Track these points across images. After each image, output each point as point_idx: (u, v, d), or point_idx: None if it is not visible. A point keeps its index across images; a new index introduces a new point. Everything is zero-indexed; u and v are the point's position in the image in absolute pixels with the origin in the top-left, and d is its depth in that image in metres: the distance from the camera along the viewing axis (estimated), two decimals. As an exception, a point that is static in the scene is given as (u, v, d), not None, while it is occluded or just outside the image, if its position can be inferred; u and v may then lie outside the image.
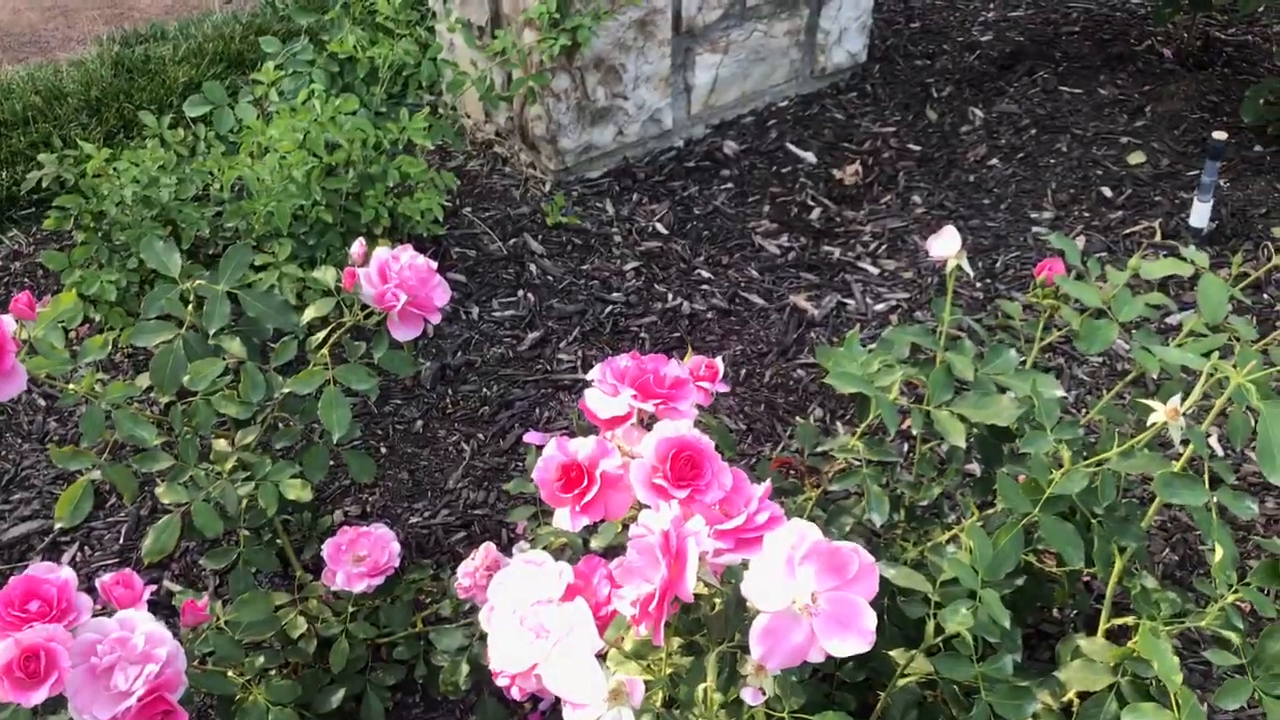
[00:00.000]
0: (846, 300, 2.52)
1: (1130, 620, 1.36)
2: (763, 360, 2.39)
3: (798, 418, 2.25)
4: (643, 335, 2.45)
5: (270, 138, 2.29)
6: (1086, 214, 2.74)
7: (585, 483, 1.19)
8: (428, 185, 2.47)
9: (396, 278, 1.54)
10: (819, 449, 1.58)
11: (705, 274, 2.62)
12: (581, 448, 1.22)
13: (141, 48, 3.50)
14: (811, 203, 2.84)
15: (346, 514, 2.10)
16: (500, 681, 1.09)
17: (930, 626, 1.28)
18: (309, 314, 1.60)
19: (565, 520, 1.21)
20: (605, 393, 1.29)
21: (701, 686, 1.04)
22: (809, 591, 1.00)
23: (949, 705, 1.36)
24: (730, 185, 2.90)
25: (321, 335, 1.61)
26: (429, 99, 3.08)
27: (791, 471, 1.58)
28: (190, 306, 1.55)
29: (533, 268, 2.63)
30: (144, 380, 1.61)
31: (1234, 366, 1.31)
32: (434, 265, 1.57)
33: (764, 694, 1.04)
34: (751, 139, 3.05)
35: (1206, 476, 1.29)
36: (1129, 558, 1.37)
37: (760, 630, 1.01)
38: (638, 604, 1.06)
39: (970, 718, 1.23)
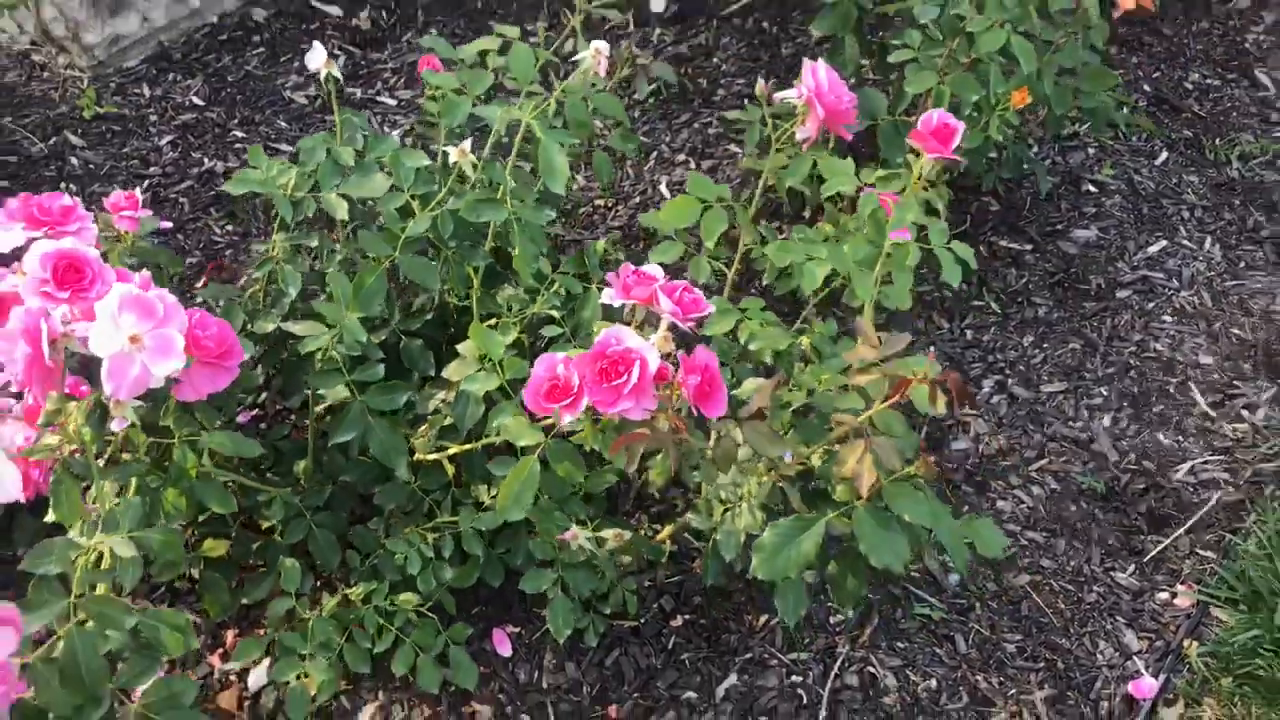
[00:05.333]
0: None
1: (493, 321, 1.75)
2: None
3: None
4: (181, 200, 2.68)
5: None
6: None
7: (-17, 305, 1.47)
8: (-63, 101, 2.59)
9: None
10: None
11: (239, 134, 2.85)
12: (-22, 280, 1.49)
13: None
14: (338, 52, 3.09)
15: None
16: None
17: (317, 356, 1.63)
18: None
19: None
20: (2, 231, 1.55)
21: (73, 426, 1.35)
22: (129, 334, 1.32)
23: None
24: (262, 49, 3.11)
25: None
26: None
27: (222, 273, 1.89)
28: None
29: (74, 161, 2.79)
30: None
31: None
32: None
33: (126, 420, 1.36)
34: (280, 3, 3.24)
35: (506, 193, 1.67)
36: (482, 275, 1.76)
37: (106, 372, 1.33)
38: (20, 378, 1.36)
39: (350, 417, 1.60)
